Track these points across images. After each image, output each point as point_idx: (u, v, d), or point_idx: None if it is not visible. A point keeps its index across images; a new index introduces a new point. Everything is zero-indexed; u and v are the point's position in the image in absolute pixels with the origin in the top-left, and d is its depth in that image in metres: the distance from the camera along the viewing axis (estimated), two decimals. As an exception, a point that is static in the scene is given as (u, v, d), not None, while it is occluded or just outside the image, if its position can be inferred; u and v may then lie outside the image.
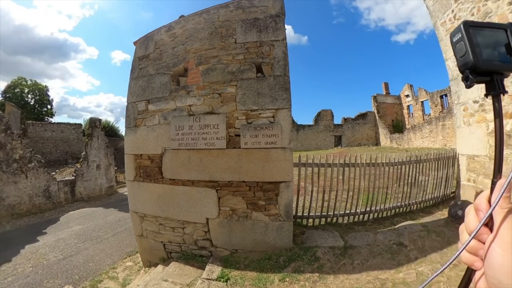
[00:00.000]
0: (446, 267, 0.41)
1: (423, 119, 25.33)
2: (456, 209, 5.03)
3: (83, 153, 13.45)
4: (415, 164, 5.39)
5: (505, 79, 0.46)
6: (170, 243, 4.38)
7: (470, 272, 0.44)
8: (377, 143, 29.08)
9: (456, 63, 0.48)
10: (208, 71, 4.25)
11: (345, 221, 4.93)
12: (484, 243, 0.41)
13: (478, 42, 0.44)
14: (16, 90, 33.34)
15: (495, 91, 0.44)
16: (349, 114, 32.44)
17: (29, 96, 35.01)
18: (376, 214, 5.09)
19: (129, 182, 4.74)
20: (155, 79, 4.61)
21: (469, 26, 0.45)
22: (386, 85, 32.20)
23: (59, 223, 8.75)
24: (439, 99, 24.00)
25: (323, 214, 4.71)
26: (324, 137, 29.36)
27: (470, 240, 0.41)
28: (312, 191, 4.55)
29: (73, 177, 12.34)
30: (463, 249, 0.42)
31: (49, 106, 37.37)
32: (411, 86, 28.79)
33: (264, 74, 4.04)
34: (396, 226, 4.85)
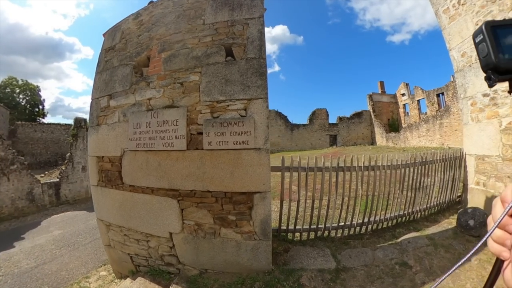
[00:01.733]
0: (470, 255, 0.46)
1: (419, 118, 24.99)
2: (466, 217, 4.36)
3: (68, 155, 12.93)
4: (420, 166, 4.65)
5: None
6: (137, 256, 3.83)
7: (498, 263, 0.44)
8: (372, 142, 28.63)
9: (479, 63, 0.48)
10: (170, 58, 3.58)
11: (338, 235, 4.16)
12: (511, 234, 0.42)
13: (500, 42, 0.44)
14: (6, 90, 32.73)
15: None
16: (345, 113, 31.86)
17: (21, 96, 34.39)
18: (375, 225, 4.34)
19: (93, 187, 4.23)
20: (118, 72, 4.05)
21: (491, 27, 0.45)
22: (382, 83, 31.72)
23: (39, 227, 8.35)
24: (435, 98, 23.50)
25: (312, 227, 3.95)
26: (319, 136, 28.71)
27: (494, 228, 0.41)
28: (298, 201, 3.78)
29: (58, 179, 11.84)
30: (487, 237, 0.43)
31: (40, 107, 36.76)
32: (407, 84, 28.33)
33: (235, 58, 3.27)
34: (399, 240, 4.13)
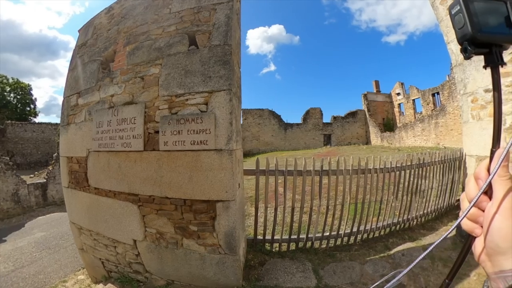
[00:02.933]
0: (448, 235, 0.43)
1: (415, 118, 24.72)
2: None
3: (55, 155, 12.40)
4: (417, 169, 4.17)
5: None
6: (108, 261, 3.62)
7: (470, 240, 0.46)
8: (367, 141, 28.30)
9: (455, 36, 0.48)
10: (134, 51, 3.27)
11: (323, 245, 3.64)
12: (483, 211, 0.43)
13: (477, 13, 0.43)
14: (-4, 89, 31.80)
15: (494, 63, 0.44)
16: (339, 113, 31.58)
17: (12, 95, 33.37)
18: (365, 234, 3.85)
19: (64, 189, 4.10)
20: (87, 68, 3.87)
21: None
22: (377, 83, 31.35)
23: (23, 229, 8.12)
24: (431, 97, 23.26)
25: (293, 237, 3.42)
26: (313, 136, 28.27)
27: (470, 207, 0.42)
28: (276, 208, 3.25)
29: (45, 180, 11.37)
30: (465, 215, 0.43)
31: (32, 106, 35.86)
32: (402, 84, 28.05)
33: (198, 46, 2.80)
34: (392, 252, 3.65)
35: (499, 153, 0.41)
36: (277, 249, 3.44)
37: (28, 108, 35.24)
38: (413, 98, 26.12)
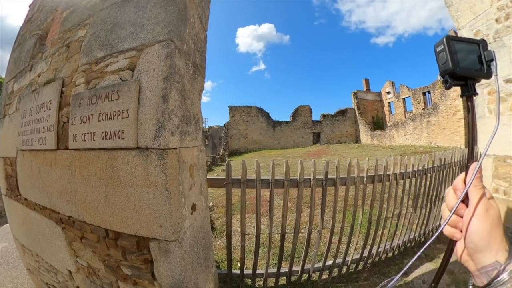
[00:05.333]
0: (431, 241, 0.52)
1: (405, 116, 24.48)
2: None
3: None
4: (438, 172, 3.35)
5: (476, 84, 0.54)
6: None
7: (452, 244, 0.52)
8: (357, 140, 27.87)
9: (438, 69, 0.55)
10: (69, 15, 2.42)
11: (324, 276, 2.73)
12: (461, 217, 0.50)
13: (457, 52, 0.52)
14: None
15: (469, 93, 0.53)
16: (329, 111, 31.16)
17: None
18: (377, 257, 3.00)
19: (3, 197, 3.42)
20: (25, 46, 3.08)
21: (450, 40, 0.52)
22: (367, 81, 31.00)
23: None
24: (421, 96, 22.95)
25: (282, 270, 2.44)
26: (302, 134, 27.56)
27: (451, 215, 0.49)
28: (258, 235, 2.22)
29: None
30: (447, 222, 0.50)
31: None
32: (392, 83, 27.74)
33: None
34: (409, 278, 2.81)
35: (473, 167, 0.49)
36: (261, 284, 2.49)
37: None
38: (403, 97, 25.81)
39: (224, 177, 2.00)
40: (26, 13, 3.71)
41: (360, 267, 2.83)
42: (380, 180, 2.48)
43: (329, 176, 2.24)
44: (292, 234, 2.19)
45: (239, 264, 2.38)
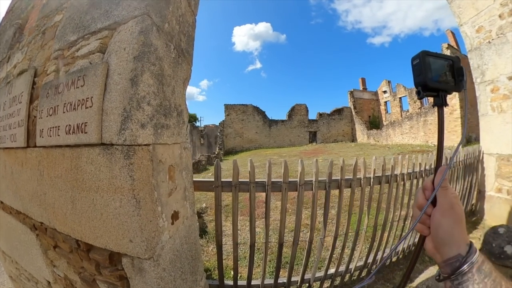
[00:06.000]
0: (405, 237, 0.62)
1: (401, 116, 24.53)
2: (499, 241, 3.09)
3: None
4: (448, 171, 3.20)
5: (448, 96, 0.59)
6: None
7: (422, 239, 0.56)
8: (353, 139, 27.79)
9: (413, 78, 0.59)
10: (49, 1, 2.15)
11: (326, 285, 2.51)
12: (429, 215, 0.54)
13: (431, 67, 0.56)
14: None
15: (440, 104, 0.57)
16: (325, 110, 31.04)
17: None
18: (380, 264, 2.82)
19: None
20: (5, 36, 2.85)
21: (426, 55, 0.56)
22: (363, 80, 31.02)
23: None
24: (418, 95, 23.00)
25: (280, 281, 2.19)
26: (298, 133, 27.41)
27: (422, 214, 0.53)
28: (252, 244, 1.96)
29: None
30: (418, 221, 0.54)
31: None
32: (389, 82, 27.79)
33: None
34: (414, 284, 2.64)
35: (442, 170, 0.54)
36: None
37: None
38: (400, 96, 25.85)
39: (213, 179, 1.75)
40: (9, 3, 3.36)
41: (363, 273, 2.65)
42: (387, 181, 2.28)
43: (334, 178, 2.00)
44: (291, 240, 1.97)
45: (232, 273, 2.18)
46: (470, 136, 16.26)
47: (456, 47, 18.74)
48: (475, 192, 4.44)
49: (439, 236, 0.50)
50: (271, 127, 26.89)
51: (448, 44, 17.70)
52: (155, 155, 1.09)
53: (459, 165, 3.66)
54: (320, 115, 28.88)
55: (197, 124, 37.63)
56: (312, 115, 29.05)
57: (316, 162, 1.83)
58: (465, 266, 0.46)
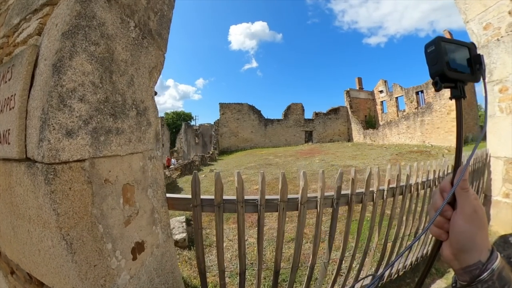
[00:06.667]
0: (421, 235, 0.51)
1: (397, 115, 24.35)
2: (510, 252, 2.88)
3: None
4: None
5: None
6: None
7: (438, 244, 0.51)
8: (349, 139, 27.58)
9: (428, 71, 0.53)
10: None
11: None
12: (448, 219, 0.49)
13: (448, 55, 0.49)
14: None
15: (458, 96, 0.50)
16: (321, 109, 30.90)
17: None
18: (388, 278, 2.54)
19: None
20: None
21: (441, 41, 0.50)
22: (360, 80, 30.88)
23: None
24: (414, 95, 22.95)
25: None
26: (294, 132, 27.13)
27: (437, 215, 0.48)
28: (241, 272, 1.57)
29: None
30: (432, 223, 0.49)
31: None
32: (385, 81, 27.68)
33: None
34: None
35: (461, 169, 0.48)
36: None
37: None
38: (396, 96, 25.75)
39: (196, 195, 1.36)
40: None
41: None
42: (401, 193, 1.98)
43: (343, 193, 1.66)
44: (289, 267, 1.65)
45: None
46: (467, 136, 16.19)
47: (453, 47, 18.62)
48: (481, 197, 4.22)
49: (460, 242, 0.47)
50: (266, 126, 26.55)
51: (446, 44, 17.56)
52: (96, 173, 0.78)
53: (471, 167, 3.39)
54: (316, 114, 28.65)
55: (192, 123, 37.19)
56: (308, 115, 28.79)
57: (322, 174, 1.51)
58: (485, 273, 0.43)
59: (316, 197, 1.54)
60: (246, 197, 1.40)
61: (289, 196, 1.43)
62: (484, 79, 0.50)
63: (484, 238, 0.46)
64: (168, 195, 1.22)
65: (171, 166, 13.51)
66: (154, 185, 1.08)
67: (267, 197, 1.43)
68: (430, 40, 0.51)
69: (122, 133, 0.90)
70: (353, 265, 2.00)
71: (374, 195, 1.73)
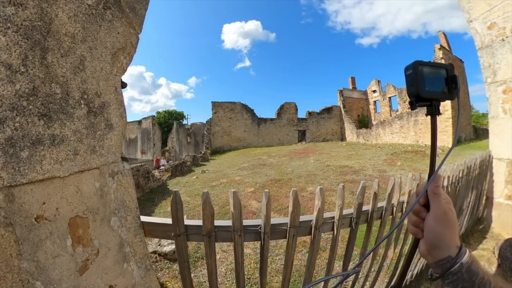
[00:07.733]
0: (394, 229, 0.61)
1: (390, 115, 24.50)
2: None
3: None
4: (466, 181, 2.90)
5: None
6: None
7: (416, 241, 0.57)
8: (342, 138, 27.67)
9: (407, 89, 0.58)
10: None
11: None
12: (423, 219, 0.55)
13: (424, 77, 0.54)
14: None
15: (433, 113, 0.56)
16: (314, 108, 30.87)
17: None
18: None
19: None
20: None
21: (419, 65, 0.55)
22: (353, 79, 31.04)
23: None
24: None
25: None
26: (287, 131, 27.01)
27: (408, 212, 0.57)
28: None
29: None
30: (403, 219, 0.58)
31: None
32: (378, 81, 27.88)
33: None
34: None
35: (433, 177, 0.53)
36: None
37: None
38: (389, 95, 25.93)
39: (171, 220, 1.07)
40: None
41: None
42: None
43: (364, 209, 1.40)
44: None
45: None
46: (460, 136, 16.32)
47: (447, 48, 18.80)
48: (483, 199, 4.16)
49: (431, 240, 0.52)
50: (259, 125, 26.34)
51: (440, 45, 17.69)
52: (19, 210, 0.51)
53: (476, 169, 3.32)
54: (310, 113, 28.60)
55: (184, 122, 36.67)
56: (302, 114, 28.71)
57: (341, 189, 1.24)
58: (455, 267, 0.49)
59: (333, 218, 1.27)
60: (245, 222, 1.13)
61: (301, 218, 1.14)
62: (458, 98, 0.57)
63: (453, 236, 0.51)
64: (143, 218, 0.95)
65: (161, 167, 13.11)
66: (121, 210, 0.80)
67: (273, 221, 1.14)
68: (409, 64, 0.56)
69: (62, 143, 0.62)
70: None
71: (394, 208, 1.50)
